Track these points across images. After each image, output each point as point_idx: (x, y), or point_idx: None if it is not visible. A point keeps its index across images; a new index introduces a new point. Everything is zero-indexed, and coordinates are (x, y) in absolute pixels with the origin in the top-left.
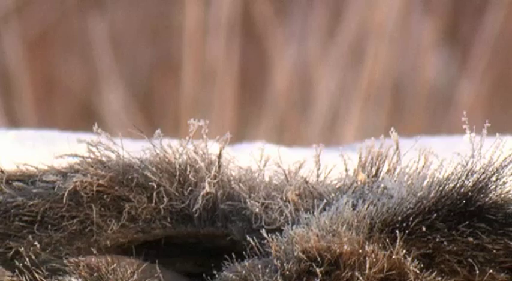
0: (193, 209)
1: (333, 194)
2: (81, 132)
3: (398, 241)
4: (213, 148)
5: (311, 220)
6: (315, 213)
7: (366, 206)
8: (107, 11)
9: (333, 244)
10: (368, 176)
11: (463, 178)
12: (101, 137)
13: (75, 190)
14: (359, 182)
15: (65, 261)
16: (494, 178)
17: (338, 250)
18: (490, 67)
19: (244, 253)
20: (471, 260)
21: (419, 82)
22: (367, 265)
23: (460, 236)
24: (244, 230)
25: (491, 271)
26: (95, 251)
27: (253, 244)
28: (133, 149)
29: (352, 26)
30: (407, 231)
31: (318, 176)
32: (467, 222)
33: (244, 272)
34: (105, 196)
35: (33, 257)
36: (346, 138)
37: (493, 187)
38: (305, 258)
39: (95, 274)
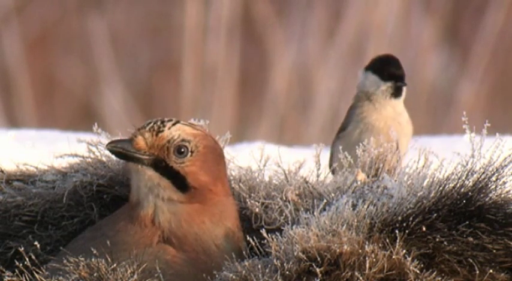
0: None
1: (333, 194)
2: (81, 133)
3: (398, 241)
4: None
5: (311, 220)
6: (315, 213)
7: (366, 206)
8: (107, 11)
9: (333, 244)
10: (368, 176)
11: (463, 178)
12: (100, 137)
13: (75, 190)
14: (359, 182)
15: (65, 261)
16: (494, 178)
17: (338, 250)
18: (490, 67)
19: (244, 252)
20: (471, 260)
21: (419, 82)
22: (367, 265)
23: (460, 236)
24: (244, 230)
25: (491, 271)
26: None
27: (253, 244)
28: None
29: (352, 26)
30: (407, 231)
31: (318, 176)
32: (467, 222)
33: (244, 272)
34: (105, 196)
35: (33, 257)
36: None
37: (493, 187)
38: (305, 258)
39: (95, 274)
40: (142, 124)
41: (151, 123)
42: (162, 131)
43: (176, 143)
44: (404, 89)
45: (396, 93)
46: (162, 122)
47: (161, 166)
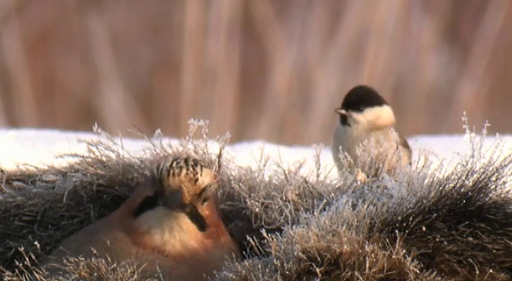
0: None
1: (333, 194)
2: (81, 132)
3: (398, 241)
4: (213, 147)
5: (311, 220)
6: (315, 213)
7: (366, 206)
8: (107, 11)
9: (333, 243)
10: (368, 176)
11: (463, 177)
12: (101, 137)
13: (75, 190)
14: (359, 182)
15: (65, 261)
16: (494, 178)
17: (338, 250)
18: (490, 67)
19: (244, 252)
20: (471, 260)
21: (419, 82)
22: (367, 265)
23: (460, 236)
24: (244, 230)
25: (491, 270)
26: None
27: (253, 244)
28: (133, 149)
29: (352, 26)
30: (407, 231)
31: (318, 176)
32: (467, 222)
33: (244, 272)
34: (105, 196)
35: (33, 257)
36: None
37: (493, 187)
38: (305, 258)
39: (95, 274)
40: (172, 165)
41: (185, 170)
42: (198, 179)
43: (208, 193)
44: (355, 116)
45: (343, 121)
46: (193, 166)
47: (193, 213)
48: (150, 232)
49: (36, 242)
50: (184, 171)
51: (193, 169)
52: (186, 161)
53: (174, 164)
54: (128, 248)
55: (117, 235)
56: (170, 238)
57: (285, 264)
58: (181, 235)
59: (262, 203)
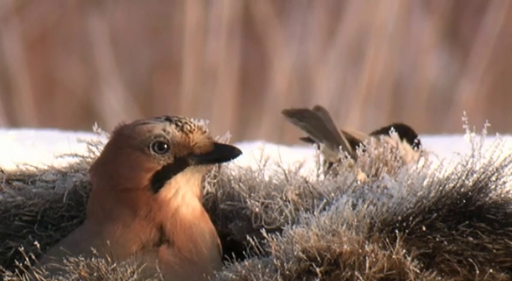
0: None
1: (332, 194)
2: (81, 132)
3: (398, 240)
4: None
5: (311, 220)
6: (315, 213)
7: (365, 206)
8: (107, 11)
9: (333, 243)
10: (368, 176)
11: (463, 177)
12: (101, 137)
13: (75, 190)
14: (359, 182)
15: (65, 261)
16: (494, 178)
17: (338, 250)
18: (490, 67)
19: (244, 252)
20: (471, 260)
21: (419, 82)
22: (367, 265)
23: (460, 236)
24: (244, 230)
25: (491, 270)
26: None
27: (253, 243)
28: None
29: (352, 26)
30: (407, 231)
31: (317, 176)
32: (467, 222)
33: (244, 271)
34: None
35: (33, 257)
36: None
37: (493, 186)
38: (305, 258)
39: (95, 274)
40: (178, 124)
41: (192, 124)
42: (206, 130)
43: None
44: None
45: None
46: (188, 119)
47: None
48: (177, 194)
49: (36, 242)
50: (192, 125)
51: (193, 121)
52: (176, 118)
53: (179, 124)
54: (121, 250)
55: (103, 242)
56: (191, 195)
57: (285, 264)
58: (197, 190)
59: (262, 203)
